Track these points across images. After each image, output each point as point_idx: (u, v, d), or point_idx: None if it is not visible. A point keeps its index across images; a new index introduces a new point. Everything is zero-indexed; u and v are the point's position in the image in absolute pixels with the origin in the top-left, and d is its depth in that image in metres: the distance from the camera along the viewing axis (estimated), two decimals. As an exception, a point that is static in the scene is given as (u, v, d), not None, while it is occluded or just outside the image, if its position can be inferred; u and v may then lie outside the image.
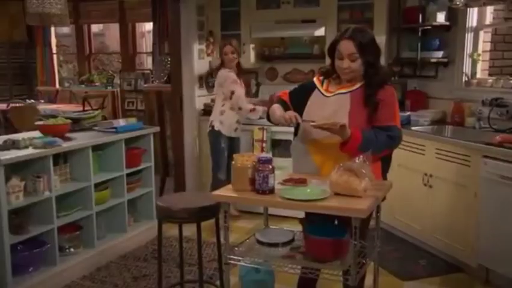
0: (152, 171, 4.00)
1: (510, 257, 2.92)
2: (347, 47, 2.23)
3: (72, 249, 3.35)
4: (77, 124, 3.67)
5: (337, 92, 2.33)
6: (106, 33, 9.35)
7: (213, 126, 4.12)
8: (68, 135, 3.41)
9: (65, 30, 8.18)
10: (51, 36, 7.48)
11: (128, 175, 3.72)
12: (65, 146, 3.18)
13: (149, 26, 6.86)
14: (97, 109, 5.55)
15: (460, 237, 3.31)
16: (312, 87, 2.41)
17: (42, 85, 7.44)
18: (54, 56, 7.58)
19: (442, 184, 3.43)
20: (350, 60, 2.24)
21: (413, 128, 3.84)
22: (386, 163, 2.34)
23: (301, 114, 2.31)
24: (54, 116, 3.60)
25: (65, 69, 8.51)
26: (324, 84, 2.40)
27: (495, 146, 3.01)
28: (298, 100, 2.40)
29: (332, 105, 2.30)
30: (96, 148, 3.45)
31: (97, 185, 3.44)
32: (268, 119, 2.44)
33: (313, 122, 2.16)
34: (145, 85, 6.03)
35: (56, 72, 7.58)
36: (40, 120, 3.56)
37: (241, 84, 4.16)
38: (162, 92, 5.46)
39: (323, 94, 2.36)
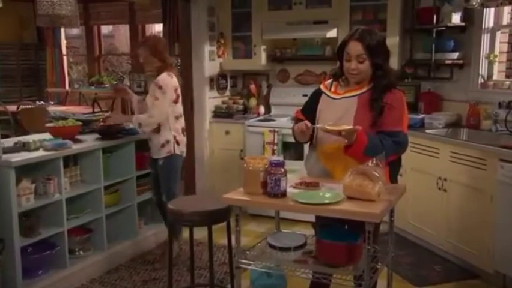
0: (163, 174, 4.02)
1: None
2: (355, 48, 2.25)
3: (82, 252, 3.38)
4: (87, 126, 3.70)
5: (345, 94, 2.34)
6: (115, 34, 9.43)
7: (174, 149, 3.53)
8: (78, 137, 3.44)
9: (75, 31, 8.27)
10: (61, 38, 7.57)
11: (138, 178, 3.74)
12: (75, 148, 3.21)
13: (159, 27, 6.90)
14: (106, 111, 5.61)
15: (475, 242, 3.29)
16: (319, 93, 2.45)
17: (52, 87, 7.53)
18: (64, 58, 7.67)
19: (457, 188, 3.41)
20: (358, 61, 2.25)
21: (427, 131, 3.82)
22: (394, 167, 2.35)
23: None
24: (64, 118, 3.62)
25: (75, 71, 8.61)
26: (332, 87, 2.42)
27: (512, 150, 2.99)
28: (310, 111, 2.44)
29: (339, 108, 2.32)
30: (106, 150, 3.48)
31: (106, 188, 3.47)
32: (297, 141, 2.48)
33: (324, 126, 2.18)
34: (155, 87, 6.06)
35: (65, 74, 7.68)
36: (50, 122, 3.60)
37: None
38: (172, 93, 5.47)
39: (330, 97, 2.39)
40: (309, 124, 2.25)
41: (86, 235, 3.39)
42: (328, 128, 2.15)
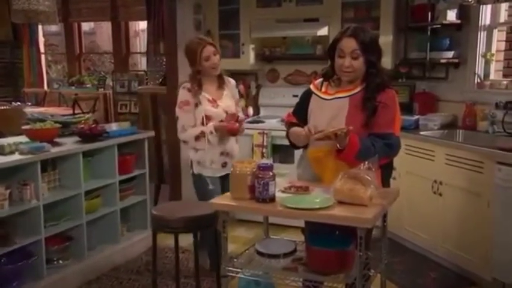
0: (147, 178, 4.01)
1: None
2: (348, 44, 2.27)
3: (60, 262, 3.35)
4: (66, 128, 3.68)
5: (336, 95, 2.36)
6: (97, 32, 9.38)
7: (192, 169, 3.26)
8: (57, 140, 3.42)
9: (54, 28, 8.21)
10: (39, 35, 7.50)
11: (120, 182, 3.72)
12: (54, 151, 3.18)
13: (143, 24, 6.88)
14: (88, 112, 5.57)
15: (472, 249, 3.31)
16: (310, 93, 2.46)
17: (29, 87, 7.46)
18: (42, 56, 7.60)
19: (453, 192, 3.44)
20: (352, 57, 2.27)
21: (421, 133, 3.85)
22: (386, 171, 2.37)
23: None
24: (42, 120, 3.60)
25: (54, 70, 8.53)
26: (323, 87, 2.44)
27: (510, 152, 3.01)
28: (302, 114, 2.46)
29: (331, 109, 2.34)
30: (87, 154, 3.46)
31: (87, 193, 3.45)
32: (294, 146, 2.50)
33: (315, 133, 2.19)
34: (139, 87, 6.06)
35: (44, 73, 7.61)
36: (27, 124, 3.57)
37: (207, 102, 3.16)
38: (157, 94, 5.47)
39: (321, 98, 2.40)
40: (312, 130, 2.22)
41: (65, 243, 3.36)
42: (321, 135, 2.15)
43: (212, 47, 3.13)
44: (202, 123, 3.12)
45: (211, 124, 3.10)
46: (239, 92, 3.77)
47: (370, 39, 2.31)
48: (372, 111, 2.26)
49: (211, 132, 3.10)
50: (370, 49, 2.29)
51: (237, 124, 3.10)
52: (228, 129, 3.09)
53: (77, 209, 3.37)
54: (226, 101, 3.22)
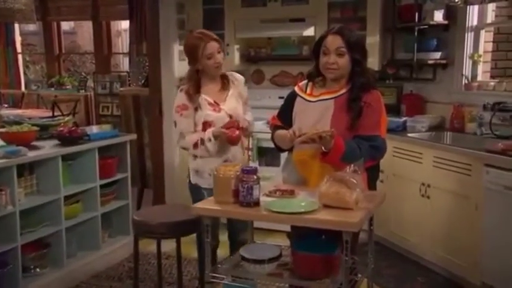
0: (129, 183, 3.99)
1: (516, 274, 2.95)
2: (334, 41, 2.29)
3: (38, 270, 3.30)
4: (45, 131, 3.65)
5: (320, 97, 2.37)
6: (78, 31, 9.34)
7: (189, 178, 3.02)
8: (34, 143, 3.38)
9: (32, 27, 8.14)
10: (15, 34, 7.42)
11: (102, 187, 3.70)
12: (31, 155, 3.15)
13: (125, 24, 6.87)
14: (68, 115, 5.52)
15: (461, 252, 3.34)
16: (294, 95, 2.47)
17: (6, 88, 7.37)
18: (19, 56, 7.52)
19: (441, 195, 3.47)
20: (337, 54, 2.29)
21: (409, 135, 3.88)
22: (372, 173, 2.39)
23: None
24: (18, 123, 3.57)
25: (32, 71, 8.46)
26: (308, 89, 2.45)
27: (498, 154, 3.05)
28: (287, 116, 2.47)
29: (315, 111, 2.35)
30: (66, 157, 3.43)
31: (67, 198, 3.42)
32: (279, 149, 2.49)
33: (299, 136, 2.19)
34: (121, 88, 6.02)
35: (21, 74, 7.53)
36: (3, 127, 3.54)
37: (206, 107, 2.87)
38: (140, 96, 5.45)
39: (305, 100, 2.41)
40: (297, 132, 2.23)
41: (42, 251, 3.32)
42: (304, 138, 2.16)
43: (216, 43, 2.78)
44: (204, 130, 2.81)
45: (210, 130, 2.79)
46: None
47: (356, 38, 2.35)
48: (358, 112, 2.27)
49: (210, 140, 2.77)
50: (355, 48, 2.31)
51: (237, 132, 2.76)
52: (227, 138, 2.74)
53: (56, 215, 3.34)
54: (231, 103, 2.87)
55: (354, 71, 2.33)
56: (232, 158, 2.85)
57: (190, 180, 2.96)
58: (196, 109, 2.83)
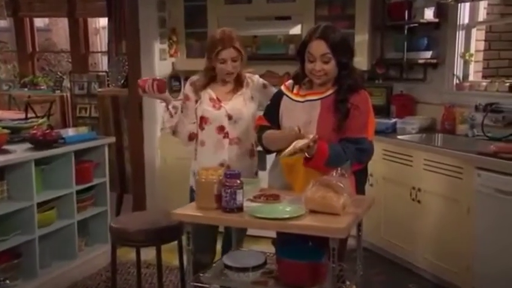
0: (107, 188, 3.97)
1: (509, 280, 2.97)
2: (318, 47, 2.29)
3: (8, 282, 3.25)
4: (17, 134, 3.61)
5: (307, 97, 2.39)
6: (53, 28, 9.26)
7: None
8: (5, 147, 3.35)
9: (2, 24, 8.03)
10: (-16, 31, 7.36)
11: (78, 192, 3.67)
12: (1, 160, 3.12)
13: (104, 21, 6.82)
14: (42, 116, 5.48)
15: (453, 258, 3.37)
16: (281, 94, 2.49)
17: (-26, 88, 7.31)
18: (-12, 54, 7.46)
19: (432, 199, 3.50)
20: (323, 61, 2.30)
21: (399, 137, 3.91)
22: (360, 177, 2.40)
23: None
24: (-12, 125, 3.53)
25: (3, 70, 8.35)
26: (295, 89, 2.46)
27: (490, 157, 3.08)
28: (273, 116, 2.47)
29: (302, 112, 2.37)
30: (40, 162, 3.40)
31: (40, 205, 3.38)
32: (267, 151, 2.48)
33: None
34: (100, 89, 5.99)
35: (-9, 73, 7.47)
36: (-29, 130, 3.50)
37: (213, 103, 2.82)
38: (119, 97, 5.43)
39: (292, 99, 2.42)
40: (301, 129, 2.23)
41: (14, 261, 3.28)
42: (291, 150, 2.15)
43: (234, 51, 2.71)
44: (200, 125, 2.80)
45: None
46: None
47: (341, 39, 2.34)
48: (345, 114, 2.29)
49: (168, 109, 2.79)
50: (341, 50, 2.31)
51: (146, 79, 2.77)
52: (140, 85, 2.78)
53: (29, 223, 3.30)
54: (236, 102, 2.78)
55: (341, 74, 2.34)
56: (229, 160, 2.75)
57: (190, 184, 2.90)
58: (196, 102, 2.82)
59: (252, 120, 2.72)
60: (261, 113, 2.62)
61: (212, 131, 2.76)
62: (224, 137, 2.75)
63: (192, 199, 2.72)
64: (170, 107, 2.78)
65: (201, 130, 2.80)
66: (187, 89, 2.86)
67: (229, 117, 2.75)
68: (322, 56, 2.29)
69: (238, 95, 2.80)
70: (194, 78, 2.88)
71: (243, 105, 2.78)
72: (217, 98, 2.79)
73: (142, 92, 2.79)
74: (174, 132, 2.85)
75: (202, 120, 2.78)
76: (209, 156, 2.76)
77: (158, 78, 2.86)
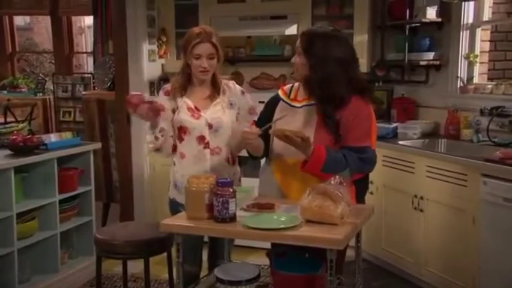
0: (93, 197, 3.97)
1: (517, 293, 2.99)
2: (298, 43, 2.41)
3: (-16, 297, 3.26)
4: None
5: (305, 102, 2.40)
6: (34, 27, 9.26)
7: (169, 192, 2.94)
8: (-17, 154, 3.35)
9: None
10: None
11: (61, 202, 3.66)
12: (-21, 167, 3.12)
13: (89, 20, 6.82)
14: (23, 121, 5.47)
15: (458, 271, 3.38)
16: (277, 99, 2.50)
17: (-51, 91, 7.27)
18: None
19: (435, 208, 3.51)
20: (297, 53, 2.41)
21: (400, 142, 3.92)
22: (361, 187, 2.41)
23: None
24: (-36, 130, 3.53)
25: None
26: (292, 93, 2.47)
27: (496, 163, 3.09)
28: (266, 123, 2.46)
29: (299, 118, 2.39)
30: (20, 169, 3.39)
31: (20, 215, 3.37)
32: (254, 158, 2.55)
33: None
34: (85, 92, 5.98)
35: (-33, 75, 7.43)
36: None
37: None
38: (105, 100, 5.41)
39: (290, 105, 2.44)
40: (255, 130, 2.29)
41: (-9, 276, 3.28)
42: (279, 132, 2.19)
43: (211, 46, 2.69)
44: (179, 136, 2.76)
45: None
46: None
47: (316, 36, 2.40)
48: (334, 130, 2.30)
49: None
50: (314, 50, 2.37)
51: (133, 96, 2.66)
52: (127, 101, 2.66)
53: (7, 234, 3.28)
54: (214, 111, 2.75)
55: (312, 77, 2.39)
56: (213, 169, 2.71)
57: (168, 195, 2.87)
58: (173, 111, 2.77)
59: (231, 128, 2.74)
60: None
61: (192, 141, 2.73)
62: (205, 147, 2.72)
63: (173, 213, 2.66)
64: (157, 131, 2.71)
65: (179, 142, 2.76)
66: (161, 98, 2.81)
67: (210, 126, 2.72)
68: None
69: (216, 104, 2.77)
70: (167, 86, 2.84)
71: (222, 113, 2.76)
72: (196, 107, 2.75)
73: (133, 112, 2.68)
74: (158, 150, 2.80)
75: (181, 131, 2.74)
76: (189, 168, 2.71)
77: (151, 100, 2.69)
